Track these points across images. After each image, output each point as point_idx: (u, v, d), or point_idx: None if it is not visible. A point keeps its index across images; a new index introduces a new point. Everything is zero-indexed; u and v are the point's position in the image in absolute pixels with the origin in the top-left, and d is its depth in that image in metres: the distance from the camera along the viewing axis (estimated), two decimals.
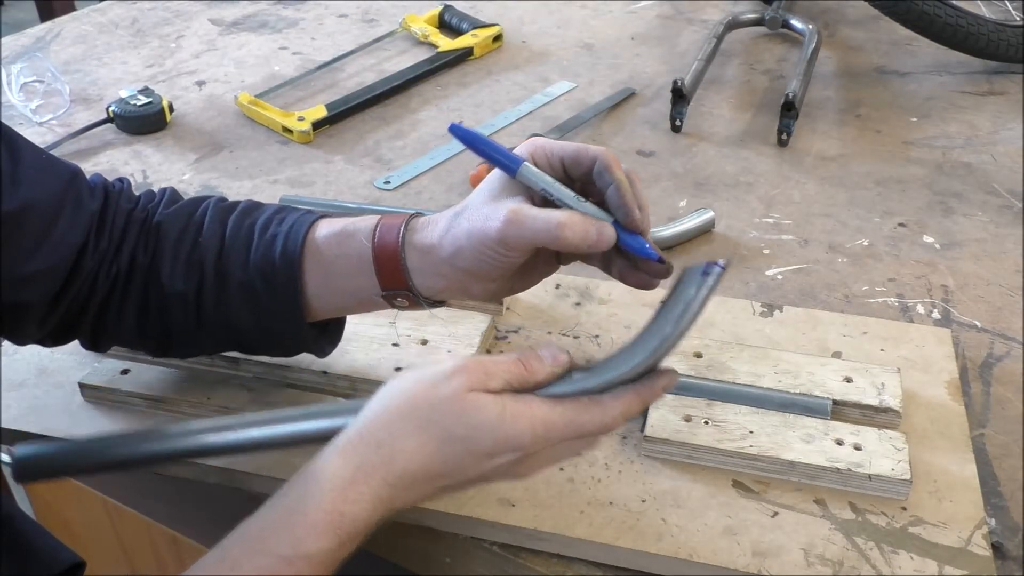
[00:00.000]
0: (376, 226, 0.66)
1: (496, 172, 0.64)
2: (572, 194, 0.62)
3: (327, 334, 0.74)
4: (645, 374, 0.58)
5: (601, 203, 0.62)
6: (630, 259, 0.65)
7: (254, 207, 0.71)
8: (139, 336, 0.71)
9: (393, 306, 0.68)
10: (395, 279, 0.66)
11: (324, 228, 0.68)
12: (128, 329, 0.70)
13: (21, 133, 0.67)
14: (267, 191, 1.09)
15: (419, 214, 0.67)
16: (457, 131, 0.63)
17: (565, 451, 0.59)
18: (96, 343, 0.72)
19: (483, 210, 0.62)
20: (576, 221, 0.60)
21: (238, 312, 0.68)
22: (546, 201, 0.62)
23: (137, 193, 0.73)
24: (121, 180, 0.72)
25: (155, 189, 0.73)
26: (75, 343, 0.80)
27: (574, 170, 0.63)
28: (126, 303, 0.69)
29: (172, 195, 0.73)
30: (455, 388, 0.56)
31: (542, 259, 0.66)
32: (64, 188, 0.66)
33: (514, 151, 0.63)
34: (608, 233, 0.61)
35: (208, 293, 0.68)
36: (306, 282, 0.67)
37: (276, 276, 0.67)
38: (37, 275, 0.64)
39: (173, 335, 0.70)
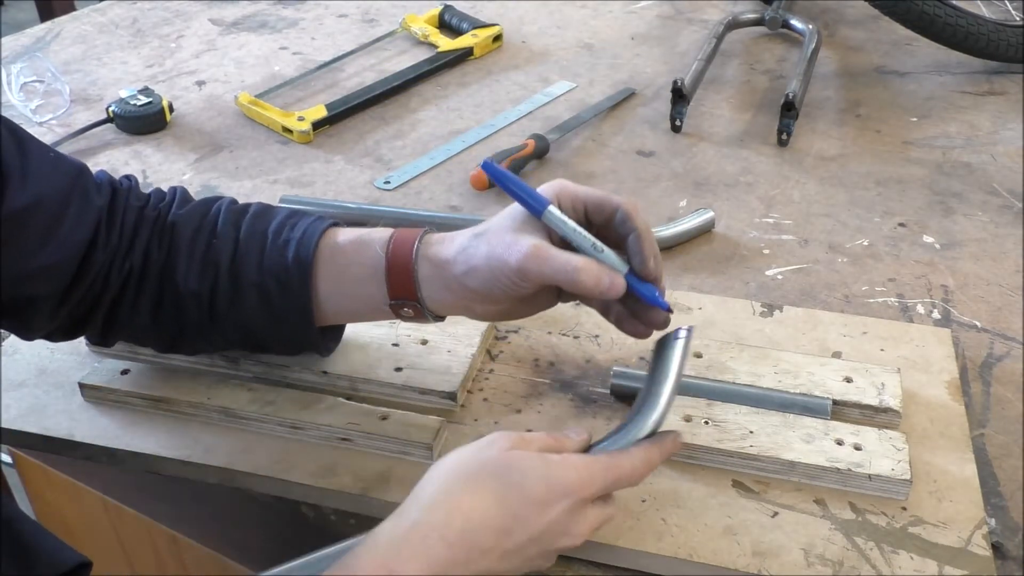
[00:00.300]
0: (391, 237, 0.68)
1: (519, 206, 0.67)
2: (591, 241, 0.65)
3: (330, 331, 0.76)
4: (652, 434, 0.63)
5: (615, 251, 0.66)
6: (628, 307, 0.69)
7: (266, 210, 0.73)
8: (152, 332, 0.72)
9: (398, 316, 0.70)
10: (405, 289, 0.68)
11: (340, 235, 0.70)
12: (142, 325, 0.71)
13: None
14: (267, 191, 1.09)
15: (434, 229, 0.70)
16: (489, 169, 0.67)
17: (604, 511, 0.61)
18: (106, 338, 0.73)
19: (505, 238, 0.65)
20: (592, 268, 0.63)
21: (251, 313, 0.70)
22: (564, 242, 0.65)
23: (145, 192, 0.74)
24: (128, 178, 0.73)
25: (164, 188, 0.74)
26: (75, 342, 0.80)
27: (596, 216, 0.67)
28: (140, 299, 0.70)
29: (183, 195, 0.74)
30: (498, 449, 0.59)
31: (545, 293, 0.69)
32: (71, 184, 0.67)
33: (540, 190, 0.66)
34: (619, 284, 0.64)
35: (222, 294, 0.70)
36: (318, 287, 0.69)
37: (290, 280, 0.69)
38: (43, 271, 0.65)
39: (185, 332, 0.72)
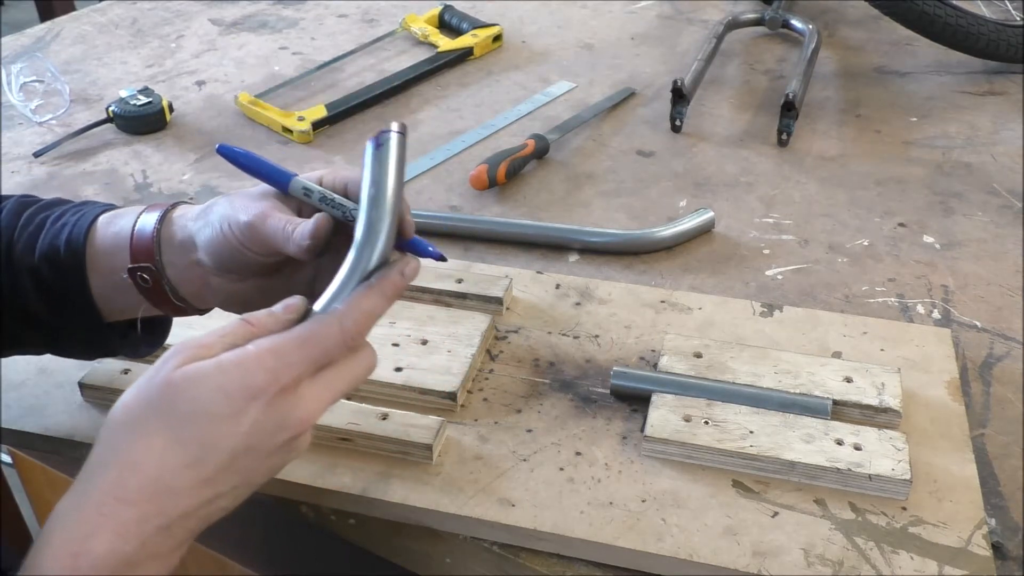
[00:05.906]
0: (131, 239, 0.65)
1: (266, 192, 0.64)
2: (343, 207, 0.61)
3: (148, 334, 0.72)
4: (379, 268, 0.57)
5: None
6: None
7: (59, 202, 0.70)
8: None
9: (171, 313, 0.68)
10: (161, 299, 0.65)
11: (100, 228, 0.66)
12: None
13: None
14: None
15: (176, 204, 0.67)
16: (226, 152, 0.64)
17: (333, 379, 0.56)
18: None
19: (244, 201, 0.62)
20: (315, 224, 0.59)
21: (32, 302, 0.66)
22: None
23: None
24: None
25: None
26: None
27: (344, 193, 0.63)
28: None
29: None
30: (164, 374, 0.53)
31: (280, 277, 0.66)
32: None
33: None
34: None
35: (4, 285, 0.66)
36: (91, 276, 0.66)
37: (62, 264, 0.65)
38: None
39: None
